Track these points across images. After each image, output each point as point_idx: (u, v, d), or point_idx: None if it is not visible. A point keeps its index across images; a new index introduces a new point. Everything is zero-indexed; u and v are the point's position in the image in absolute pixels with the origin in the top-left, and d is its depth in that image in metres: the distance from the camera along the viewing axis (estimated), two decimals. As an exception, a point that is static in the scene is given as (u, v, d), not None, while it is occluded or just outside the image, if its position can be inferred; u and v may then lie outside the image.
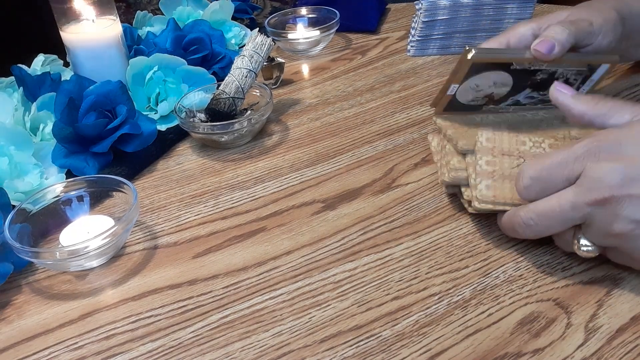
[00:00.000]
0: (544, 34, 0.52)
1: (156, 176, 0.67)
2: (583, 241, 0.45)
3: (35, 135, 0.70)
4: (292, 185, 0.63)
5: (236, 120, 0.68)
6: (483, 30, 0.87)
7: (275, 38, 0.89)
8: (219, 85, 0.72)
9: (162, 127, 0.73)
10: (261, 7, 1.40)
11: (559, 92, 0.49)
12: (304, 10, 0.96)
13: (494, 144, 0.50)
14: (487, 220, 0.54)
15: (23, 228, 0.55)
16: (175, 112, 0.70)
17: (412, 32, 0.91)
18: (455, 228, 0.54)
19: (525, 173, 0.45)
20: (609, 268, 0.48)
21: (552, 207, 0.44)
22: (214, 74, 0.81)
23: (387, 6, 1.05)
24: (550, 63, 0.52)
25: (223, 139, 0.69)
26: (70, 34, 0.75)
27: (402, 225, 0.55)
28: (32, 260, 0.52)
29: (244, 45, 0.74)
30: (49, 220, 0.57)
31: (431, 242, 0.53)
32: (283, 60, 0.83)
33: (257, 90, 0.74)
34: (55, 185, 0.59)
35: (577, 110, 0.47)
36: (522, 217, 0.46)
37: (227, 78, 0.71)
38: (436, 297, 0.47)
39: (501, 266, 0.49)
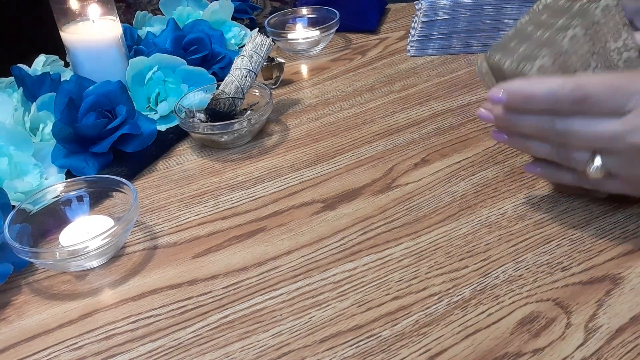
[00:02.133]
0: None
1: (156, 176, 0.67)
2: (598, 161, 0.45)
3: (35, 135, 0.70)
4: (292, 185, 0.63)
5: (236, 120, 0.68)
6: (483, 30, 0.87)
7: (275, 38, 0.89)
8: (218, 86, 0.72)
9: (162, 127, 0.73)
10: (261, 7, 1.40)
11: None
12: (303, 10, 0.95)
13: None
14: (488, 220, 0.54)
15: (23, 228, 0.55)
16: (175, 112, 0.70)
17: (412, 32, 0.91)
18: (455, 228, 0.54)
19: (584, 88, 0.43)
20: (609, 268, 0.48)
21: (595, 126, 0.44)
22: (213, 74, 0.81)
23: (387, 6, 1.05)
24: None
25: (223, 139, 0.69)
26: (70, 34, 0.75)
27: (402, 225, 0.55)
28: (32, 260, 0.52)
29: (244, 46, 0.74)
30: (48, 221, 0.57)
31: (431, 242, 0.53)
32: (283, 61, 0.83)
33: (257, 91, 0.74)
34: (55, 186, 0.59)
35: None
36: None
37: (226, 78, 0.71)
38: (436, 297, 0.47)
39: (501, 266, 0.49)
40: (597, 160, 0.46)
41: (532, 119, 0.47)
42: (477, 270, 0.49)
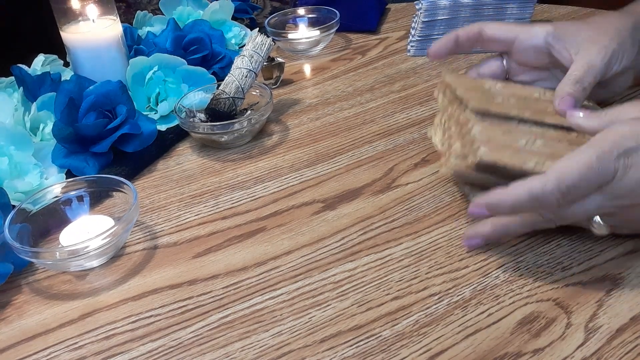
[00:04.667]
0: (558, 92, 0.54)
1: (156, 176, 0.67)
2: (597, 219, 0.46)
3: (35, 135, 0.70)
4: (292, 185, 0.63)
5: (236, 120, 0.68)
6: (483, 30, 0.87)
7: (275, 38, 0.89)
8: (218, 85, 0.72)
9: (162, 127, 0.73)
10: (261, 7, 1.40)
11: (571, 116, 0.50)
12: (304, 10, 0.95)
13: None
14: (487, 220, 0.54)
15: (23, 228, 0.55)
16: (175, 112, 0.70)
17: (412, 32, 0.91)
18: (455, 228, 0.54)
19: (566, 181, 0.43)
20: (609, 268, 0.48)
21: (578, 210, 0.45)
22: (213, 74, 0.81)
23: (387, 6, 1.05)
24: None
25: (223, 139, 0.69)
26: (70, 34, 0.75)
27: (402, 225, 0.55)
28: (32, 260, 0.52)
29: (244, 45, 0.74)
30: (49, 220, 0.57)
31: (431, 242, 0.53)
32: (283, 60, 0.83)
33: (257, 90, 0.74)
34: (55, 185, 0.59)
35: (590, 128, 0.48)
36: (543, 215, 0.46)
37: (227, 78, 0.71)
38: (436, 297, 0.47)
39: (501, 266, 0.49)
40: (597, 219, 0.46)
41: (525, 221, 0.48)
42: (477, 270, 0.49)
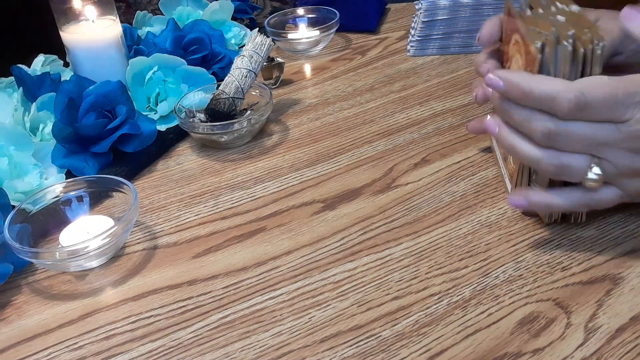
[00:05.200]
0: None
1: (156, 176, 0.67)
2: (596, 170, 0.45)
3: (35, 135, 0.70)
4: (292, 185, 0.63)
5: (236, 120, 0.68)
6: (483, 30, 0.87)
7: (275, 38, 0.89)
8: (218, 86, 0.72)
9: (162, 127, 0.73)
10: (261, 7, 1.40)
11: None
12: (303, 10, 0.95)
13: None
14: (488, 220, 0.54)
15: (23, 228, 0.55)
16: (175, 112, 0.70)
17: (412, 32, 0.91)
18: (454, 228, 0.54)
19: (586, 96, 0.43)
20: (609, 268, 0.48)
21: (591, 130, 0.44)
22: (213, 74, 0.81)
23: (387, 6, 1.05)
24: None
25: (223, 139, 0.69)
26: (70, 34, 0.75)
27: (402, 225, 0.55)
28: (32, 260, 0.52)
29: (244, 46, 0.74)
30: (48, 221, 0.57)
31: (431, 242, 0.53)
32: (283, 60, 0.83)
33: (257, 91, 0.74)
34: (55, 186, 0.59)
35: None
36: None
37: (226, 78, 0.71)
38: (436, 297, 0.47)
39: (501, 266, 0.49)
40: (596, 169, 0.45)
41: (525, 113, 0.46)
42: (477, 270, 0.49)
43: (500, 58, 0.58)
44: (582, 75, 0.46)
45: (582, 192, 0.47)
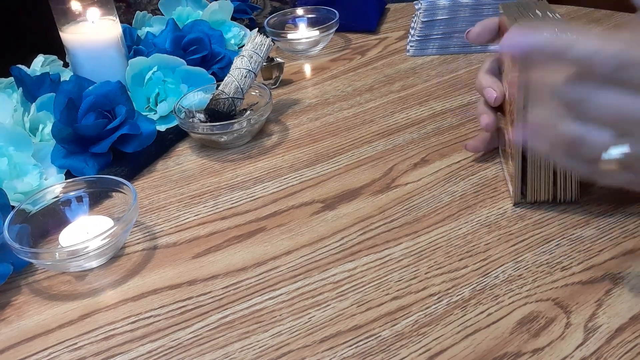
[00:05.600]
0: None
1: (155, 176, 0.67)
2: (616, 150, 0.37)
3: (35, 135, 0.70)
4: (292, 186, 0.63)
5: (235, 120, 0.68)
6: (482, 30, 0.87)
7: (275, 38, 0.89)
8: (218, 86, 0.72)
9: (162, 128, 0.73)
10: (261, 7, 1.40)
11: None
12: (303, 11, 0.95)
13: None
14: (487, 220, 0.54)
15: (22, 229, 0.55)
16: (175, 113, 0.70)
17: (412, 32, 0.91)
18: (454, 228, 0.54)
19: (634, 50, 0.36)
20: (609, 268, 0.48)
21: (629, 101, 0.36)
22: (213, 74, 0.81)
23: (387, 6, 1.05)
24: None
25: (222, 139, 0.69)
26: (69, 35, 0.75)
27: (402, 225, 0.55)
28: (32, 260, 0.52)
29: (244, 46, 0.74)
30: (48, 221, 0.57)
31: (430, 242, 0.53)
32: (282, 61, 0.83)
33: (257, 91, 0.74)
34: (55, 186, 0.59)
35: None
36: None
37: (226, 78, 0.71)
38: (435, 297, 0.47)
39: (500, 266, 0.49)
40: (623, 148, 0.37)
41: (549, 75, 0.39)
42: (476, 270, 0.49)
43: (500, 66, 0.58)
44: None
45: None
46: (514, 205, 0.55)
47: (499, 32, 0.58)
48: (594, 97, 0.37)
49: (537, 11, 0.53)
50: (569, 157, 0.40)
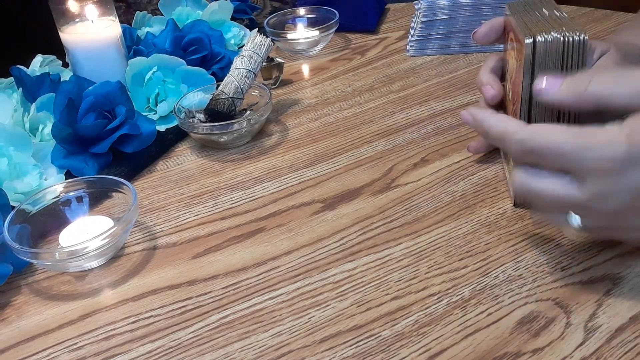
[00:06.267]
0: None
1: (155, 177, 0.67)
2: (575, 218, 0.42)
3: (35, 136, 0.70)
4: (292, 186, 0.63)
5: (235, 120, 0.68)
6: (482, 30, 0.87)
7: (275, 38, 0.89)
8: (218, 86, 0.72)
9: (162, 128, 0.73)
10: (261, 7, 1.40)
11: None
12: (303, 11, 0.95)
13: None
14: (487, 220, 0.54)
15: (22, 229, 0.55)
16: (175, 113, 0.70)
17: (412, 32, 0.91)
18: (454, 228, 0.54)
19: (533, 138, 0.41)
20: (609, 268, 0.48)
21: (557, 190, 0.42)
22: (213, 74, 0.81)
23: (387, 6, 1.05)
24: None
25: (222, 140, 0.69)
26: (69, 35, 0.75)
27: (402, 225, 0.55)
28: (32, 261, 0.52)
29: (243, 46, 0.74)
30: (48, 221, 0.57)
31: (430, 242, 0.53)
32: (282, 61, 0.83)
33: (257, 91, 0.74)
34: (55, 186, 0.59)
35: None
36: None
37: (226, 78, 0.71)
38: (435, 297, 0.47)
39: (500, 266, 0.49)
40: (577, 219, 0.43)
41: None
42: (476, 270, 0.49)
43: (504, 66, 0.59)
44: (566, 66, 0.48)
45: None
46: (513, 206, 0.55)
47: (503, 32, 0.58)
48: (532, 183, 0.43)
49: (544, 10, 0.53)
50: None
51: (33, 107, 0.70)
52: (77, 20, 0.75)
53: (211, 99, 0.71)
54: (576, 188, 0.41)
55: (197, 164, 0.68)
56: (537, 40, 0.48)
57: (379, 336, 0.45)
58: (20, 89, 0.73)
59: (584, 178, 0.40)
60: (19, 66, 0.75)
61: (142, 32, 0.89)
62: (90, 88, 0.69)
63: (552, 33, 0.48)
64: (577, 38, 0.48)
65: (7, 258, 0.53)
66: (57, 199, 0.59)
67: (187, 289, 0.51)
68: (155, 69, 0.75)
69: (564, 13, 0.52)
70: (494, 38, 0.59)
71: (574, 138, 0.40)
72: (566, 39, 0.48)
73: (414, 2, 1.01)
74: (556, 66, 0.49)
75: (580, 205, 0.41)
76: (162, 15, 0.95)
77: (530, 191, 0.43)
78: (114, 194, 0.59)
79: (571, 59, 0.48)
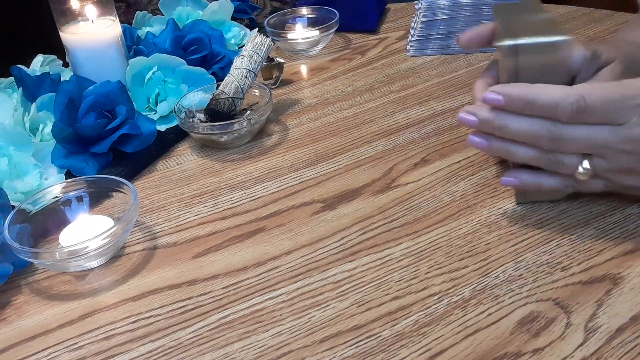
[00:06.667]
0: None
1: (156, 176, 0.67)
2: (587, 164, 0.48)
3: (35, 135, 0.70)
4: (292, 186, 0.63)
5: (235, 120, 0.68)
6: (482, 30, 0.87)
7: (275, 38, 0.89)
8: (218, 86, 0.72)
9: (162, 128, 0.73)
10: (261, 7, 1.40)
11: None
12: (303, 10, 0.95)
13: None
14: (487, 220, 0.54)
15: (23, 228, 0.55)
16: (175, 113, 0.70)
17: (412, 32, 0.91)
18: (454, 228, 0.54)
19: (586, 100, 0.46)
20: (609, 268, 0.48)
21: (591, 133, 0.47)
22: (213, 74, 0.81)
23: (387, 6, 1.05)
24: None
25: (222, 139, 0.69)
26: (69, 35, 0.75)
27: (402, 225, 0.55)
28: (32, 260, 0.52)
29: (244, 46, 0.74)
30: (48, 221, 0.57)
31: (431, 242, 0.53)
32: (282, 61, 0.83)
33: (257, 91, 0.74)
34: (55, 186, 0.59)
35: None
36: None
37: (226, 78, 0.71)
38: (436, 297, 0.47)
39: (501, 266, 0.49)
40: (586, 164, 0.48)
41: (525, 123, 0.48)
42: (477, 270, 0.49)
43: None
44: (547, 73, 0.49)
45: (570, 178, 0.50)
46: (517, 204, 0.55)
47: (494, 35, 0.58)
48: (565, 134, 0.47)
49: (529, 13, 0.53)
50: (552, 175, 0.51)
51: (33, 106, 0.70)
52: (77, 20, 0.75)
53: (211, 99, 0.71)
54: (611, 130, 0.47)
55: (197, 164, 0.68)
56: (511, 44, 0.49)
57: (379, 336, 0.45)
58: (21, 88, 0.73)
59: (623, 123, 0.46)
60: (19, 66, 0.75)
61: (142, 31, 0.89)
62: (90, 88, 0.69)
63: (529, 38, 0.48)
64: (556, 40, 0.48)
65: (8, 258, 0.53)
66: (57, 198, 0.59)
67: (188, 288, 0.51)
68: (155, 68, 0.75)
69: (549, 15, 0.52)
70: (478, 43, 0.58)
71: (621, 89, 0.46)
72: (539, 42, 0.48)
73: (414, 2, 1.01)
74: (534, 72, 0.49)
75: (607, 144, 0.47)
76: (162, 15, 0.95)
77: (563, 137, 0.48)
78: (114, 193, 0.59)
79: (551, 66, 0.49)
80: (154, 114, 0.75)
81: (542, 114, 0.47)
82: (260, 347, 0.45)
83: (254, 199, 0.61)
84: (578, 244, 0.51)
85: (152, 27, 0.92)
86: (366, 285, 0.49)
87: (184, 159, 0.70)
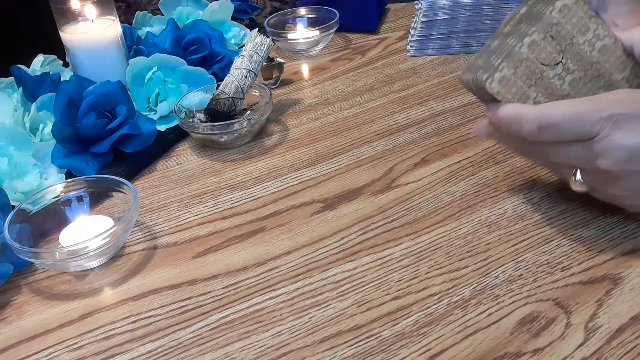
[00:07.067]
0: None
1: (156, 176, 0.67)
2: (579, 176, 0.48)
3: (35, 135, 0.70)
4: (292, 186, 0.63)
5: (236, 120, 0.68)
6: (482, 30, 0.87)
7: (275, 38, 0.89)
8: (218, 86, 0.72)
9: (162, 128, 0.73)
10: (261, 7, 1.40)
11: None
12: (303, 10, 0.96)
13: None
14: (488, 220, 0.54)
15: (23, 228, 0.55)
16: (175, 113, 0.70)
17: (412, 32, 0.91)
18: (454, 228, 0.54)
19: (547, 117, 0.45)
20: (609, 268, 0.48)
21: (565, 150, 0.46)
22: (213, 74, 0.81)
23: (387, 6, 1.05)
24: None
25: (223, 139, 0.69)
26: (69, 34, 0.75)
27: (402, 225, 0.55)
28: (32, 260, 0.52)
29: (244, 46, 0.74)
30: (48, 221, 0.57)
31: (431, 242, 0.53)
32: (282, 61, 0.83)
33: (257, 91, 0.74)
34: (55, 186, 0.59)
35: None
36: (530, 128, 0.46)
37: (226, 78, 0.71)
38: (436, 297, 0.47)
39: (501, 266, 0.49)
40: (579, 175, 0.48)
41: (513, 142, 0.50)
42: (477, 270, 0.49)
43: None
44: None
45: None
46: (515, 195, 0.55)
47: None
48: (547, 152, 0.47)
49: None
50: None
51: (33, 106, 0.70)
52: (77, 19, 0.75)
53: (211, 99, 0.71)
54: (584, 147, 0.45)
55: (197, 164, 0.68)
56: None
57: (379, 336, 0.45)
58: (21, 88, 0.73)
59: (593, 137, 0.44)
60: (20, 66, 0.75)
61: (142, 31, 0.89)
62: (90, 88, 0.69)
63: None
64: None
65: (8, 257, 0.53)
66: (57, 198, 0.59)
67: (188, 288, 0.51)
68: (155, 68, 0.75)
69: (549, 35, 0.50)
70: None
71: (587, 103, 0.45)
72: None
73: (415, 2, 1.00)
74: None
75: (583, 160, 0.46)
76: (163, 15, 0.95)
77: (545, 152, 0.48)
78: (114, 193, 0.59)
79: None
80: (154, 114, 0.75)
81: (510, 131, 0.47)
82: (260, 347, 0.45)
83: (254, 199, 0.61)
84: (578, 244, 0.51)
85: (152, 27, 0.92)
86: (366, 285, 0.49)
87: (184, 159, 0.70)
